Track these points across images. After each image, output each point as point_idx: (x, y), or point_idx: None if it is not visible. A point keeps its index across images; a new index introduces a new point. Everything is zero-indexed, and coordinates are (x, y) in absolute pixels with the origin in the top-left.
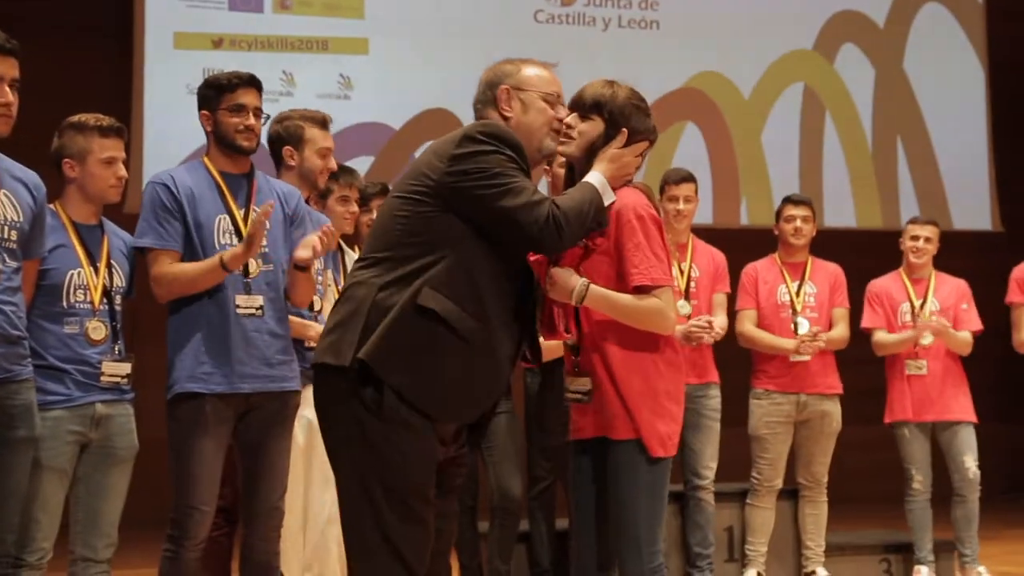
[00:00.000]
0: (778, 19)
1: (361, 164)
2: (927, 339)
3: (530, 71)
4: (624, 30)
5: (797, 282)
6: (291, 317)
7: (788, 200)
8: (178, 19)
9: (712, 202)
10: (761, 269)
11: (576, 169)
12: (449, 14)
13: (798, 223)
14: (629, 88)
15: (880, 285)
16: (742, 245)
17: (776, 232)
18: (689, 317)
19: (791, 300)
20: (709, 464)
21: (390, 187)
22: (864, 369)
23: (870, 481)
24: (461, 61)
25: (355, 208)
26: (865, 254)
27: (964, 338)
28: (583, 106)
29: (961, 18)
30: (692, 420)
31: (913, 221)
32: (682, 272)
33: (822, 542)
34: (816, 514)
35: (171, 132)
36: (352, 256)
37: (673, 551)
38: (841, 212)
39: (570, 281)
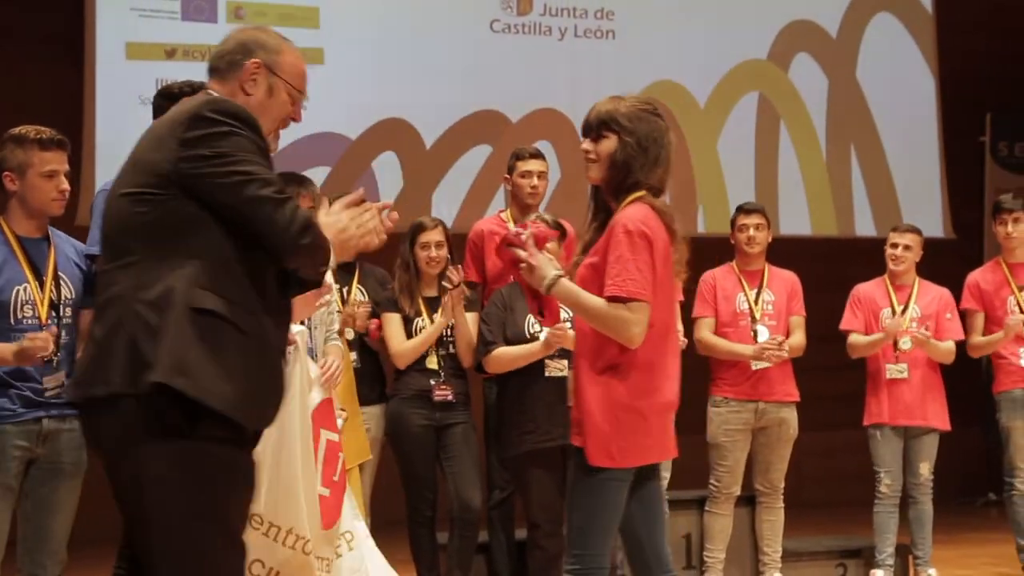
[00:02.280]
0: (733, 29)
1: (317, 174)
2: (906, 344)
3: (289, 57)
4: (580, 40)
5: (755, 290)
6: None
7: (740, 209)
8: (130, 29)
9: None
10: (719, 277)
11: (604, 191)
12: (405, 23)
13: (751, 231)
14: (634, 96)
15: (864, 290)
16: (699, 253)
17: (732, 241)
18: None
19: (750, 308)
20: (663, 474)
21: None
22: (822, 376)
23: (828, 487)
24: (417, 71)
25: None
26: (819, 261)
27: (947, 347)
28: (593, 127)
29: (912, 29)
30: None
31: (895, 229)
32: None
33: (779, 548)
34: (773, 520)
35: (123, 142)
36: None
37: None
38: (796, 220)
39: (545, 269)
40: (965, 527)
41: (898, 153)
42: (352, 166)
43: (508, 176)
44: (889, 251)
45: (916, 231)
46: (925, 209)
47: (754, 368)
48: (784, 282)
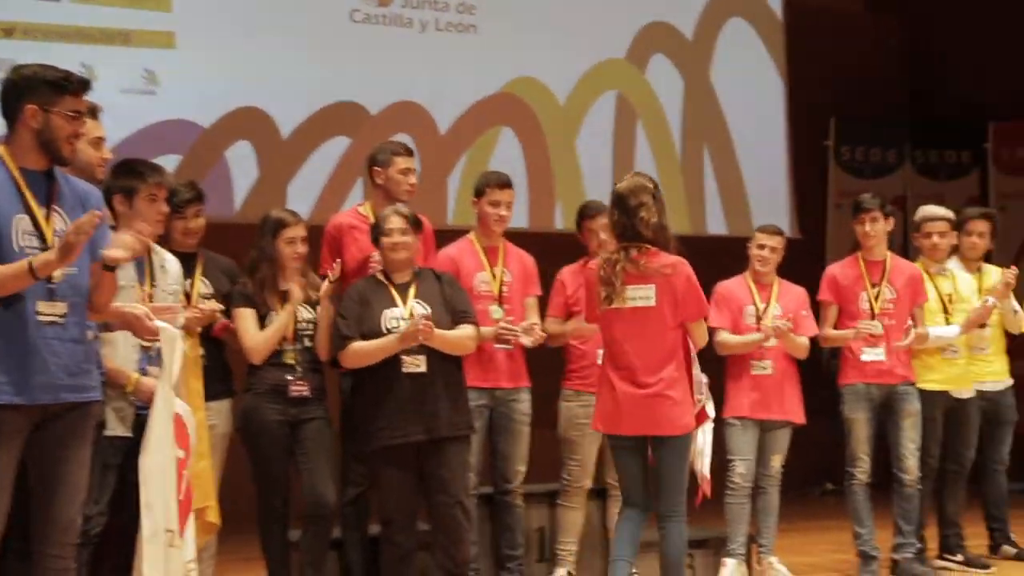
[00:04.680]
0: (593, 27)
1: (167, 163)
2: (772, 341)
3: None
4: (441, 33)
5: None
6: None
7: (584, 212)
8: None
9: (527, 206)
10: (570, 273)
11: None
12: (262, 9)
13: (601, 235)
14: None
15: (727, 287)
16: (556, 249)
17: (583, 242)
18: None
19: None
20: (518, 468)
21: (201, 189)
22: None
23: None
24: (274, 59)
25: (164, 208)
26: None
27: (803, 342)
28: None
29: (762, 33)
30: (503, 424)
31: (761, 230)
32: (494, 277)
33: None
34: None
35: None
36: (161, 257)
37: (483, 554)
38: None
39: None
40: (806, 516)
41: (749, 154)
42: (204, 155)
43: (476, 200)
44: (755, 252)
45: (780, 233)
46: (773, 209)
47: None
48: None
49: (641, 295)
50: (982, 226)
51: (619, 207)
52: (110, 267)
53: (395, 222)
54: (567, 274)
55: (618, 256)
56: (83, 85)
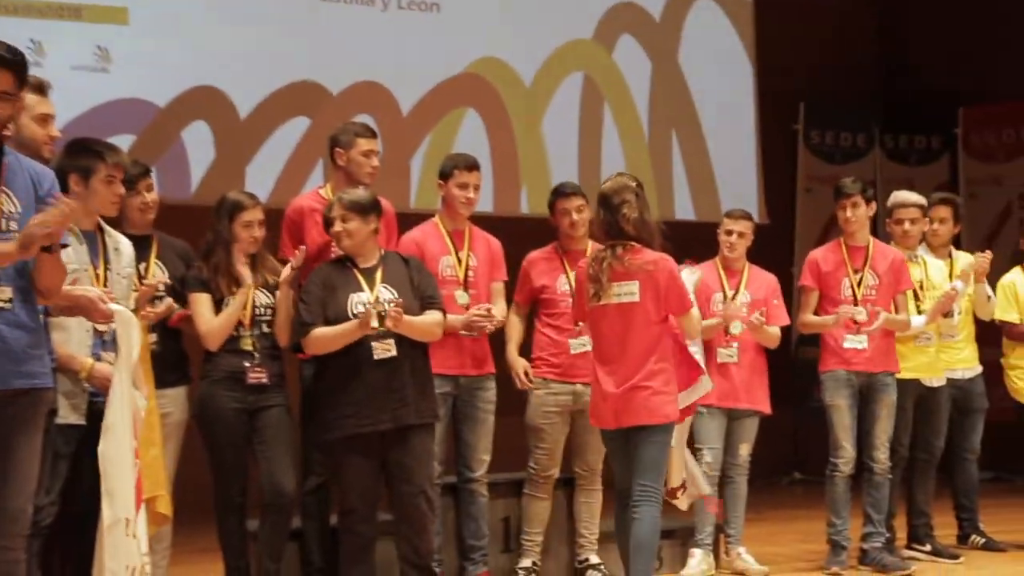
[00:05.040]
0: (559, 7)
1: (121, 143)
2: (736, 328)
3: None
4: (404, 12)
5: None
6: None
7: (559, 192)
8: None
9: (492, 190)
10: (538, 259)
11: None
12: None
13: (574, 216)
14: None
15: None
16: (522, 233)
17: (553, 223)
18: (467, 307)
19: (571, 289)
20: (483, 457)
21: (152, 168)
22: None
23: None
24: (233, 36)
25: (121, 190)
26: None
27: (774, 332)
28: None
29: (731, 15)
30: (467, 412)
31: (729, 215)
32: (459, 261)
33: (596, 530)
34: (591, 503)
35: None
36: (115, 240)
37: (448, 544)
38: None
39: None
40: (773, 505)
41: (717, 138)
42: (159, 135)
43: (442, 183)
44: (724, 238)
45: (749, 217)
46: (741, 194)
47: (573, 352)
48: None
49: (626, 291)
50: (943, 212)
51: (604, 206)
52: (47, 248)
53: (334, 210)
54: (535, 259)
55: (605, 254)
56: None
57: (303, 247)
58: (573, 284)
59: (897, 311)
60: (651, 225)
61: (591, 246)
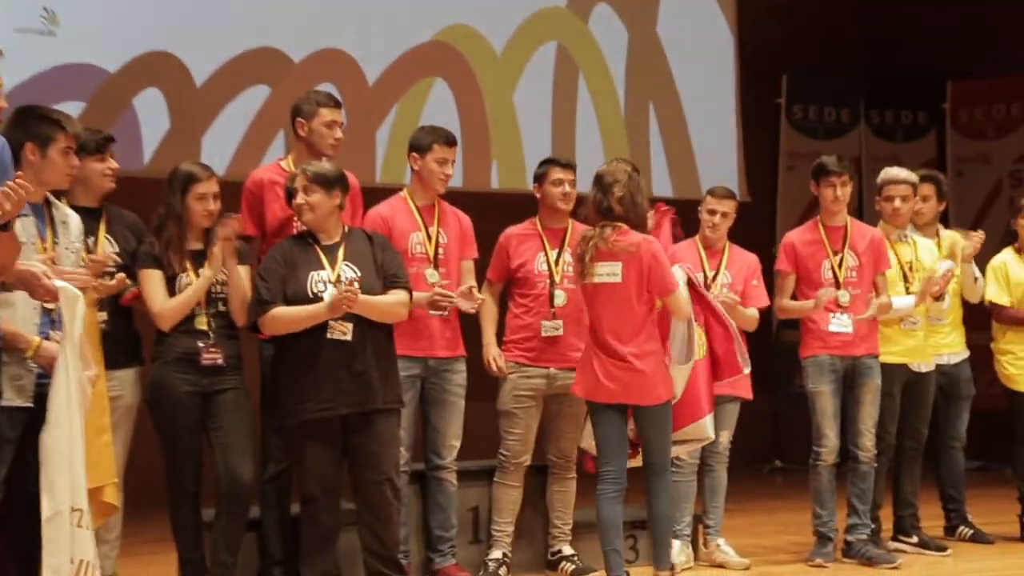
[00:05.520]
0: None
1: (69, 110)
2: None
3: None
4: None
5: (556, 250)
6: None
7: (552, 162)
8: None
9: (462, 164)
10: (516, 235)
11: None
12: None
13: (567, 187)
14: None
15: (677, 252)
16: (493, 209)
17: (538, 195)
18: (438, 287)
19: (549, 269)
20: (452, 443)
21: (112, 136)
22: None
23: None
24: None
25: (76, 161)
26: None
27: (752, 314)
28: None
29: None
30: (436, 396)
31: (712, 193)
32: (430, 238)
33: (570, 520)
34: (565, 492)
35: None
36: (62, 213)
37: (414, 535)
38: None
39: None
40: (754, 495)
41: (696, 112)
42: (110, 103)
43: (417, 156)
44: (706, 217)
45: (733, 197)
46: (721, 170)
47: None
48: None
49: (608, 271)
50: (926, 189)
51: (597, 185)
52: (3, 227)
53: (297, 181)
54: (513, 235)
55: (593, 233)
56: None
57: (236, 215)
58: (552, 263)
59: (877, 293)
60: (641, 208)
61: (572, 225)
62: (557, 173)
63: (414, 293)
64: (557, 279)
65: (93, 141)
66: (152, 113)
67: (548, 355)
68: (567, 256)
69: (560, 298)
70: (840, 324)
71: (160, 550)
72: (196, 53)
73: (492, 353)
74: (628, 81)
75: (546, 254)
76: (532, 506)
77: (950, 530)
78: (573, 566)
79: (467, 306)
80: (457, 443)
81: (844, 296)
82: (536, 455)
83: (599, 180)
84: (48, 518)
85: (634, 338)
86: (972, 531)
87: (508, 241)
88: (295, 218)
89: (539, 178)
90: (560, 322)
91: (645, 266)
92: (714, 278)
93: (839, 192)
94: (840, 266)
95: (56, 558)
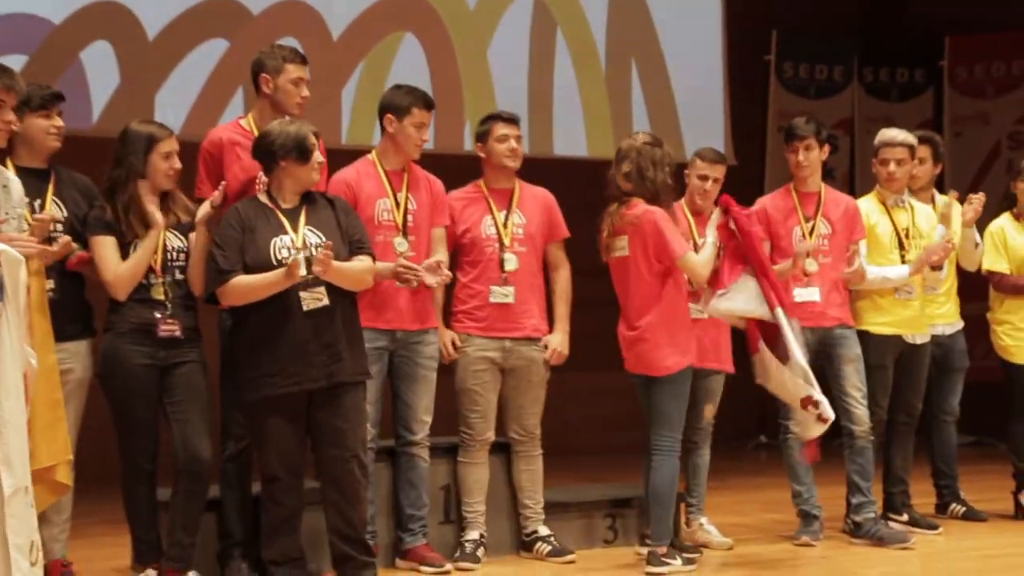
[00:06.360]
0: None
1: (12, 63)
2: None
3: None
4: None
5: (504, 212)
6: None
7: (495, 118)
8: None
9: (433, 125)
10: (459, 198)
11: None
12: None
13: (513, 143)
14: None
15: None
16: (466, 174)
17: (482, 154)
18: (406, 256)
19: (498, 232)
20: (423, 418)
21: (61, 92)
22: (592, 312)
23: (595, 432)
24: None
25: (10, 116)
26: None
27: None
28: None
29: None
30: (406, 370)
31: (702, 157)
32: (398, 204)
33: (540, 499)
34: (532, 470)
35: None
36: (4, 176)
37: (382, 514)
38: (572, 140)
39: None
40: (737, 473)
41: (681, 70)
42: (55, 56)
43: (392, 118)
44: (696, 182)
45: (724, 160)
46: (707, 131)
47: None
48: (537, 201)
49: (620, 246)
50: (922, 151)
51: (614, 161)
52: None
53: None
54: (456, 199)
55: (611, 209)
56: None
57: (224, 183)
58: (500, 226)
59: (850, 262)
60: (653, 180)
61: (519, 185)
62: (502, 129)
63: (379, 264)
64: (507, 242)
65: (38, 97)
66: (101, 68)
67: (500, 324)
68: (516, 218)
69: (511, 262)
70: (806, 293)
71: (113, 531)
72: (148, 3)
73: (447, 336)
74: (609, 36)
75: (493, 217)
76: (497, 486)
77: (942, 507)
78: (550, 547)
79: (433, 280)
80: (428, 418)
81: (812, 264)
82: (497, 432)
83: (615, 157)
84: (10, 496)
85: (647, 311)
86: (964, 508)
87: (451, 206)
88: (258, 180)
89: (482, 136)
90: (511, 288)
91: (648, 236)
92: (702, 245)
93: (802, 156)
94: (811, 233)
95: (21, 537)
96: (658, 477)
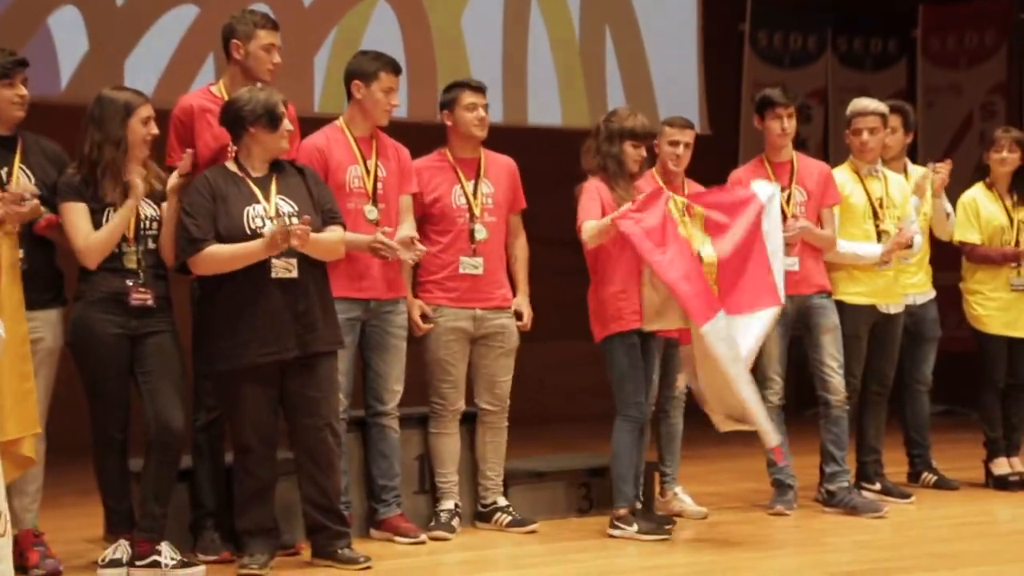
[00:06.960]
0: None
1: None
2: None
3: None
4: None
5: (472, 181)
6: None
7: (462, 85)
8: None
9: (406, 93)
10: (426, 167)
11: None
12: None
13: (481, 112)
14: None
15: (644, 188)
16: (437, 143)
17: (448, 123)
18: (376, 223)
19: (468, 202)
20: (395, 388)
21: (25, 59)
22: (564, 281)
23: (567, 401)
24: None
25: None
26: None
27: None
28: None
29: None
30: (378, 339)
31: (670, 124)
32: (368, 172)
33: (501, 471)
34: (497, 442)
35: None
36: None
37: (355, 485)
38: (546, 109)
39: None
40: (711, 442)
41: (655, 38)
42: (21, 22)
43: (361, 83)
44: (668, 149)
45: (692, 126)
46: (681, 100)
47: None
48: (503, 170)
49: None
50: (892, 121)
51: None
52: None
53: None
54: (422, 168)
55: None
56: None
57: (190, 151)
58: (470, 196)
59: (822, 226)
60: (607, 155)
61: (485, 155)
62: (469, 97)
63: (353, 235)
64: (477, 212)
65: (0, 64)
66: (69, 34)
67: (471, 295)
68: (484, 187)
69: (481, 233)
70: (786, 263)
71: (84, 502)
72: None
73: (415, 309)
74: (583, 4)
75: (463, 187)
76: (464, 454)
77: (914, 476)
78: (509, 517)
79: (409, 256)
80: (400, 388)
81: (790, 230)
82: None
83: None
84: None
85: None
86: (936, 477)
87: (418, 175)
88: (229, 147)
89: (448, 104)
90: (481, 259)
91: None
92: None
93: (786, 124)
94: (788, 202)
95: None
96: (612, 440)
